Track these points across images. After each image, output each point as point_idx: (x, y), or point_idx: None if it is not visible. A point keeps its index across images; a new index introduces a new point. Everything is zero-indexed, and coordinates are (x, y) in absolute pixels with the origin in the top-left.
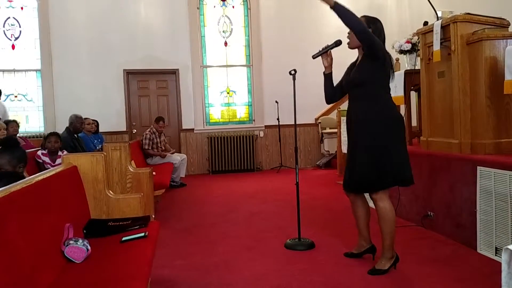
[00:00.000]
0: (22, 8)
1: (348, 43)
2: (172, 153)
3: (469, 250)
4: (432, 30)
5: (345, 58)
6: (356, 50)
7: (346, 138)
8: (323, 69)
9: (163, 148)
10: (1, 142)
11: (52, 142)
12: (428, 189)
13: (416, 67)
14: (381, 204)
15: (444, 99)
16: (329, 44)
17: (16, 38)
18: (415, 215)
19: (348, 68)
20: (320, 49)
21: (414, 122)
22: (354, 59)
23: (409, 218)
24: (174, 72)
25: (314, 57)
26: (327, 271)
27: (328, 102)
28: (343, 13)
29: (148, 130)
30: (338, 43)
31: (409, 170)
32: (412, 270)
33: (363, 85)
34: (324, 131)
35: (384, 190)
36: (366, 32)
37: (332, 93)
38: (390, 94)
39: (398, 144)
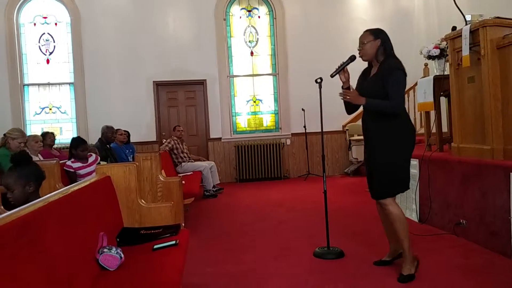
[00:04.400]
0: (56, 24)
1: (361, 57)
2: (199, 160)
3: (503, 258)
4: (461, 35)
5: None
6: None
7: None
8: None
9: (188, 153)
10: (11, 158)
11: (85, 150)
12: (460, 196)
13: (445, 73)
14: (391, 208)
15: (474, 105)
16: (344, 61)
17: (51, 53)
18: (447, 223)
19: (360, 76)
20: (337, 67)
21: (444, 128)
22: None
23: (441, 226)
24: (202, 83)
25: (332, 76)
26: (357, 280)
27: (348, 113)
28: (374, 106)
29: (170, 138)
30: (352, 58)
31: (409, 175)
32: (445, 279)
33: (379, 97)
34: (352, 138)
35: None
36: (397, 105)
37: (351, 105)
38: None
39: (409, 154)
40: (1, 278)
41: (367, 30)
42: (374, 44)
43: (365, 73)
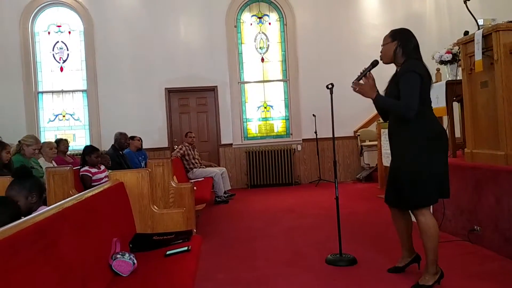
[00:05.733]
0: (69, 32)
1: (381, 58)
2: (210, 166)
3: None
4: (473, 40)
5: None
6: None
7: (389, 151)
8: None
9: (200, 159)
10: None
11: (99, 157)
12: (473, 202)
13: (458, 78)
14: (422, 218)
15: (488, 110)
16: (366, 67)
17: (64, 61)
18: (460, 229)
19: (389, 82)
20: (359, 74)
21: (457, 134)
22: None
23: (455, 232)
24: (213, 89)
25: (354, 83)
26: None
27: (385, 120)
28: (383, 103)
29: (181, 145)
30: (374, 64)
31: (447, 183)
32: (459, 286)
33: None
34: (363, 143)
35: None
36: (406, 106)
37: (385, 110)
38: (431, 107)
39: (438, 159)
40: (18, 282)
41: (391, 31)
42: (390, 46)
43: (394, 76)
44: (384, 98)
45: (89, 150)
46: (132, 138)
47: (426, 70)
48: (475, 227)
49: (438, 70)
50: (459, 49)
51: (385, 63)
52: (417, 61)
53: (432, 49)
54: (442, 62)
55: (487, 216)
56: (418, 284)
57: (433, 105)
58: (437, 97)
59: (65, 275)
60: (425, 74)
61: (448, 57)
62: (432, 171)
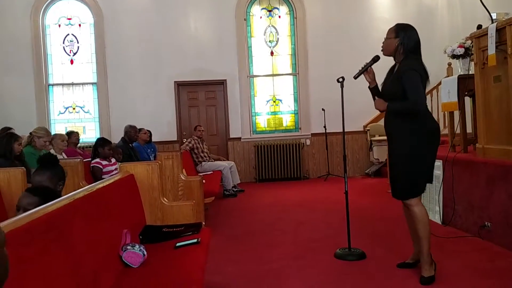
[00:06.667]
0: (80, 25)
1: (382, 51)
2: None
3: None
4: (487, 34)
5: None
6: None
7: None
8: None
9: (208, 153)
10: (39, 159)
11: (111, 149)
12: (485, 198)
13: (470, 72)
14: (417, 209)
15: (500, 105)
16: (367, 62)
17: (75, 54)
18: (471, 225)
19: (387, 74)
20: (360, 69)
21: (469, 129)
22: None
23: (465, 228)
24: (222, 83)
25: (355, 77)
26: (378, 282)
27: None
28: (394, 110)
29: (190, 138)
30: (376, 59)
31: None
32: (470, 283)
33: (396, 98)
34: (373, 138)
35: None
36: (415, 103)
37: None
38: (426, 106)
39: (428, 154)
40: (32, 272)
41: (395, 25)
42: (392, 42)
43: (391, 71)
44: (392, 105)
45: (102, 142)
46: (139, 131)
47: (424, 68)
48: (486, 223)
49: (449, 64)
50: (471, 43)
51: (385, 55)
52: (415, 60)
53: (443, 43)
54: (454, 56)
55: (498, 212)
56: (423, 276)
57: (445, 100)
58: (449, 91)
59: (76, 265)
60: (423, 73)
61: (461, 51)
62: (425, 164)
